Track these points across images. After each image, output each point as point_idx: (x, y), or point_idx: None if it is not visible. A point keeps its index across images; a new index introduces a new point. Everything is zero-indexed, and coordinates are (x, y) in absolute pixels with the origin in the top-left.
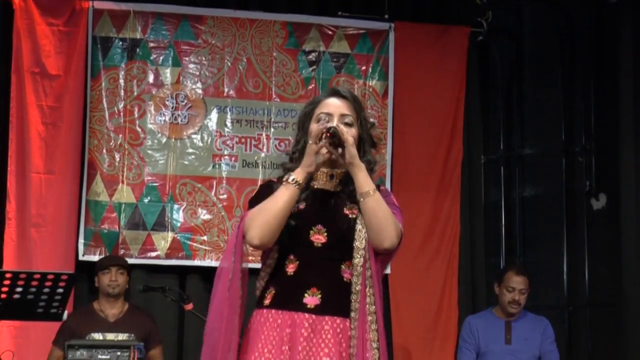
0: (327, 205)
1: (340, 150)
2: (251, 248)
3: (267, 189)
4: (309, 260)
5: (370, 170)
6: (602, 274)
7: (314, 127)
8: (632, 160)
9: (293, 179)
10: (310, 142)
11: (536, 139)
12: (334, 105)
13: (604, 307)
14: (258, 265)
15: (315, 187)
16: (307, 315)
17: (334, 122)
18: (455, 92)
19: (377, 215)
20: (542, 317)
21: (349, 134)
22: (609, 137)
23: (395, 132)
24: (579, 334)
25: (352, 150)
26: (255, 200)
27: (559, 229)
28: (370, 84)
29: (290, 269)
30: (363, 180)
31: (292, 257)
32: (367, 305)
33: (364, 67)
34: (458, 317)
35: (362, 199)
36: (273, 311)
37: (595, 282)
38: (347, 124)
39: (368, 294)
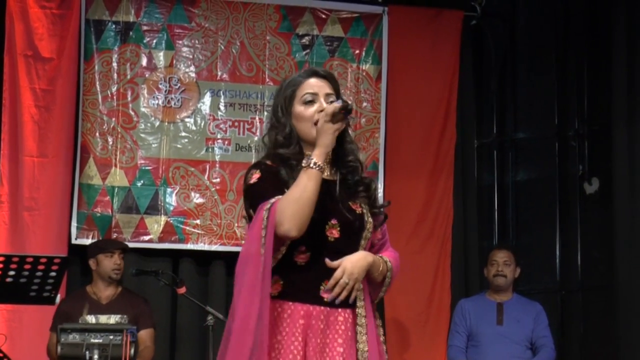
0: (334, 197)
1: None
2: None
3: (269, 175)
4: (320, 253)
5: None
6: (595, 258)
7: (301, 109)
8: (624, 145)
9: (315, 163)
10: (325, 120)
11: (529, 123)
12: (318, 85)
13: (596, 290)
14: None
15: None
16: (322, 308)
17: (322, 101)
18: (449, 76)
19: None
20: (536, 302)
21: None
22: (602, 121)
23: (389, 116)
24: (572, 317)
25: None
26: (259, 185)
27: (551, 213)
28: (363, 67)
29: (301, 259)
30: (376, 269)
31: (303, 248)
32: (373, 304)
33: (357, 51)
34: (451, 300)
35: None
36: (283, 302)
37: (588, 265)
38: (331, 103)
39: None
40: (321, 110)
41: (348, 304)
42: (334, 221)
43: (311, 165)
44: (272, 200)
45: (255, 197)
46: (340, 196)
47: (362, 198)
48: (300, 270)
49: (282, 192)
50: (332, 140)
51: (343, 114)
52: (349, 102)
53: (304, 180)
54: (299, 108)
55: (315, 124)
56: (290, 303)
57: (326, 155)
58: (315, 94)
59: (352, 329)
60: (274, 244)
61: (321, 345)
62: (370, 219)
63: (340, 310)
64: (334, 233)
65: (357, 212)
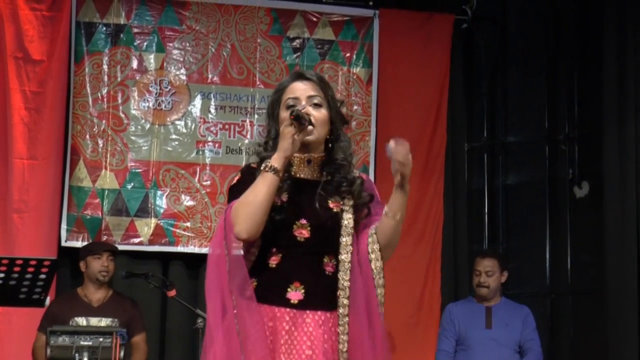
0: (310, 197)
1: (310, 128)
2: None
3: (248, 176)
4: (291, 254)
5: (350, 156)
6: (585, 262)
7: (284, 115)
8: (615, 149)
9: (270, 166)
10: (284, 124)
11: (520, 127)
12: (300, 89)
13: (586, 294)
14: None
15: (296, 176)
16: (288, 309)
17: (302, 105)
18: (440, 79)
19: (393, 236)
20: (524, 306)
21: (309, 112)
22: (592, 125)
23: (379, 119)
24: (562, 321)
25: (407, 186)
26: (237, 187)
27: (542, 217)
28: (354, 70)
29: (273, 261)
30: (402, 206)
31: (274, 250)
32: (357, 305)
33: (348, 54)
34: (441, 304)
35: (387, 217)
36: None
37: (578, 269)
38: (316, 105)
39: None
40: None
41: (320, 306)
42: (303, 221)
43: (266, 169)
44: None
45: (230, 198)
46: (320, 196)
47: (346, 195)
48: (271, 271)
49: None
50: (290, 144)
51: (292, 120)
52: (301, 109)
53: (258, 184)
54: (282, 114)
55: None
56: (260, 305)
57: (285, 159)
58: (296, 98)
59: (329, 330)
60: (245, 245)
61: (288, 347)
62: (350, 215)
63: (308, 312)
64: (303, 233)
65: (334, 210)
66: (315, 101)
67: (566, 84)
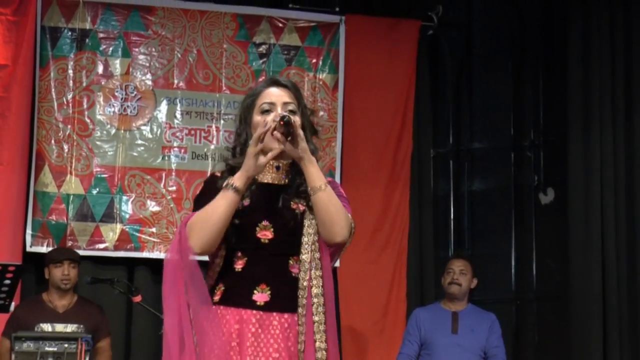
0: (273, 199)
1: (289, 139)
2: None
3: (211, 186)
4: (256, 257)
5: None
6: (550, 268)
7: (258, 118)
8: (580, 155)
9: (232, 185)
10: (250, 143)
11: (485, 133)
12: (276, 95)
13: (551, 300)
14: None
15: (261, 180)
16: (254, 311)
17: (278, 111)
18: (405, 85)
19: (330, 210)
20: (490, 313)
21: (297, 124)
22: (557, 132)
23: (345, 125)
24: (526, 327)
25: (303, 144)
26: (200, 198)
27: (507, 223)
28: (320, 76)
29: (239, 265)
30: (315, 174)
31: (239, 254)
32: (315, 305)
33: (314, 60)
34: (406, 310)
35: (313, 193)
36: (221, 308)
37: (543, 275)
38: (291, 112)
39: (315, 292)
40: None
41: (287, 308)
42: (265, 222)
43: (228, 186)
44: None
45: (194, 209)
46: (282, 199)
47: (308, 196)
48: (237, 275)
49: None
50: (254, 164)
51: (282, 126)
52: (286, 113)
53: (217, 201)
54: (256, 118)
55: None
56: (227, 308)
57: (247, 178)
58: (272, 104)
59: (295, 332)
60: (210, 256)
61: (254, 349)
62: (312, 216)
63: (275, 314)
64: (267, 234)
65: (296, 211)
66: (290, 108)
67: (531, 90)
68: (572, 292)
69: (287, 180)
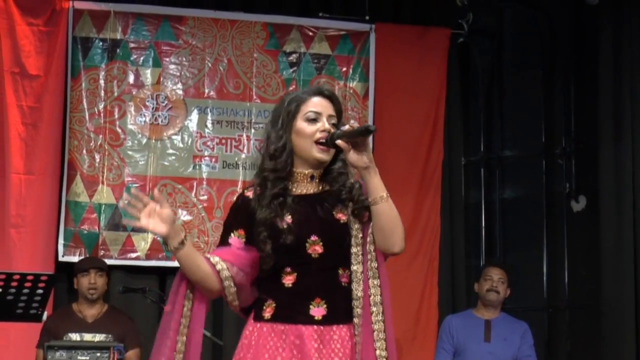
0: (315, 211)
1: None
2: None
3: (239, 210)
4: (307, 271)
5: (346, 170)
6: (582, 276)
7: (304, 125)
8: (611, 162)
9: (172, 249)
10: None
11: (516, 141)
12: (322, 105)
13: (583, 308)
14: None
15: (295, 192)
16: (315, 327)
17: (325, 122)
18: (436, 93)
19: (390, 220)
20: (522, 322)
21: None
22: (588, 139)
23: (376, 134)
24: (558, 335)
25: (370, 155)
26: (227, 222)
27: (538, 231)
28: (351, 85)
29: (288, 281)
30: (379, 185)
31: (288, 269)
32: (374, 314)
33: (344, 69)
34: (438, 318)
35: (375, 204)
36: (276, 325)
37: (575, 284)
38: (333, 125)
39: (374, 301)
40: (323, 130)
41: (343, 319)
42: (314, 237)
43: (172, 248)
44: (209, 255)
45: (222, 230)
46: (324, 210)
47: (347, 203)
48: (288, 291)
49: (245, 227)
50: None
51: (367, 133)
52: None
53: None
54: (301, 124)
55: (316, 142)
56: (284, 325)
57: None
58: (319, 113)
59: (352, 343)
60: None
61: None
62: (357, 225)
63: (334, 327)
64: (317, 249)
65: (341, 221)
66: (333, 121)
67: (562, 98)
68: (604, 301)
69: (322, 188)
